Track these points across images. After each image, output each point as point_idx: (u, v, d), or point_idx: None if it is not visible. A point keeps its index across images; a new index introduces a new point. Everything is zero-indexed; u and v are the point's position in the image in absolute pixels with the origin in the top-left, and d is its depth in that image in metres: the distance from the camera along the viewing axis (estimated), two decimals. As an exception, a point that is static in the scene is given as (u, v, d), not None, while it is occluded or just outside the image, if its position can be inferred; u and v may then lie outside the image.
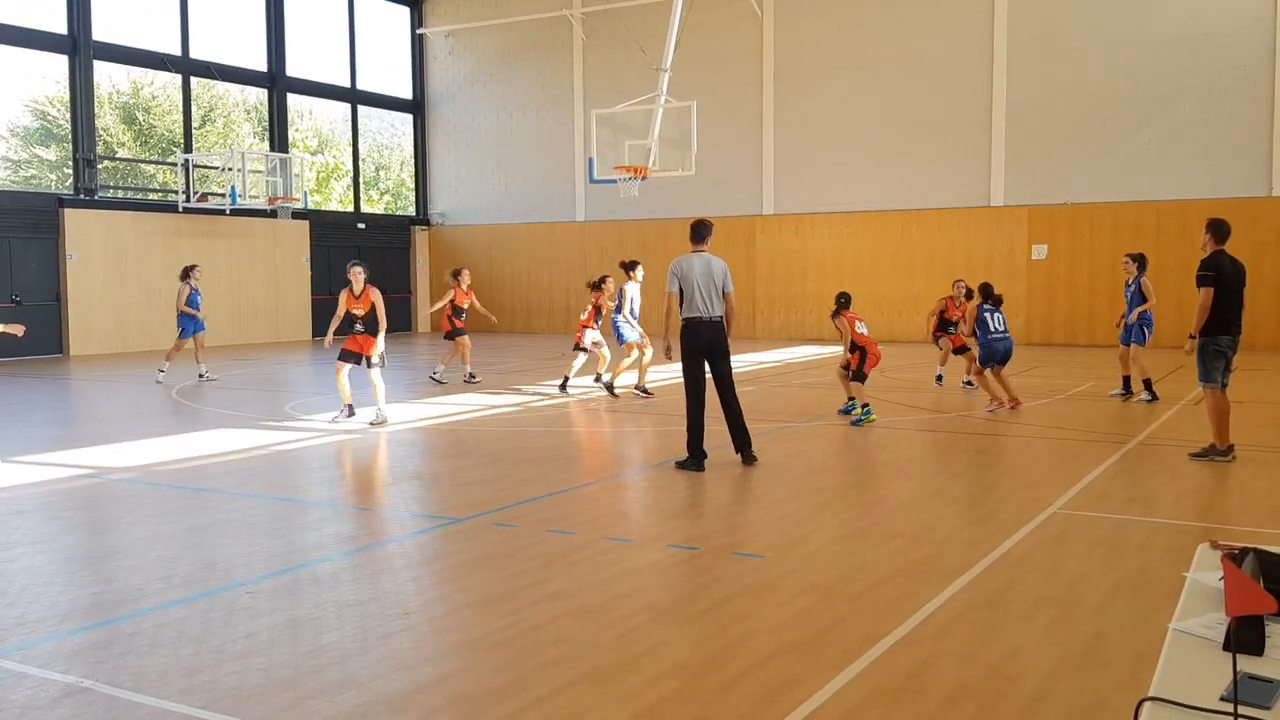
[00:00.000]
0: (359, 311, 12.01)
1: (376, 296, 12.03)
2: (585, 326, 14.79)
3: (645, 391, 14.23)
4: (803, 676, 4.44)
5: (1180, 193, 21.95)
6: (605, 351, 14.94)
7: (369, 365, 11.96)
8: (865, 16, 24.81)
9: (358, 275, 12.14)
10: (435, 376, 16.00)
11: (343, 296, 12.11)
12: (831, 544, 6.67)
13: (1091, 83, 22.59)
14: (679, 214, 27.09)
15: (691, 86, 23.83)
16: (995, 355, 12.56)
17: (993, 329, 12.57)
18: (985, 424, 11.59)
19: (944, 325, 14.89)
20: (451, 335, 16.11)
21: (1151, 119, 22.16)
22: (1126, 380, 13.56)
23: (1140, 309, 13.18)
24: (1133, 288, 13.41)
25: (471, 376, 16.04)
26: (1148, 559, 6.25)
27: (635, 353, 14.55)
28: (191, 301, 16.79)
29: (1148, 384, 13.22)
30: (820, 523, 7.28)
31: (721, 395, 9.19)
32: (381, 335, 12.03)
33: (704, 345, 9.05)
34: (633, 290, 14.45)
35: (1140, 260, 13.56)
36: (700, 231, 9.30)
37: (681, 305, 9.13)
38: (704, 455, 9.10)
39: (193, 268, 17.13)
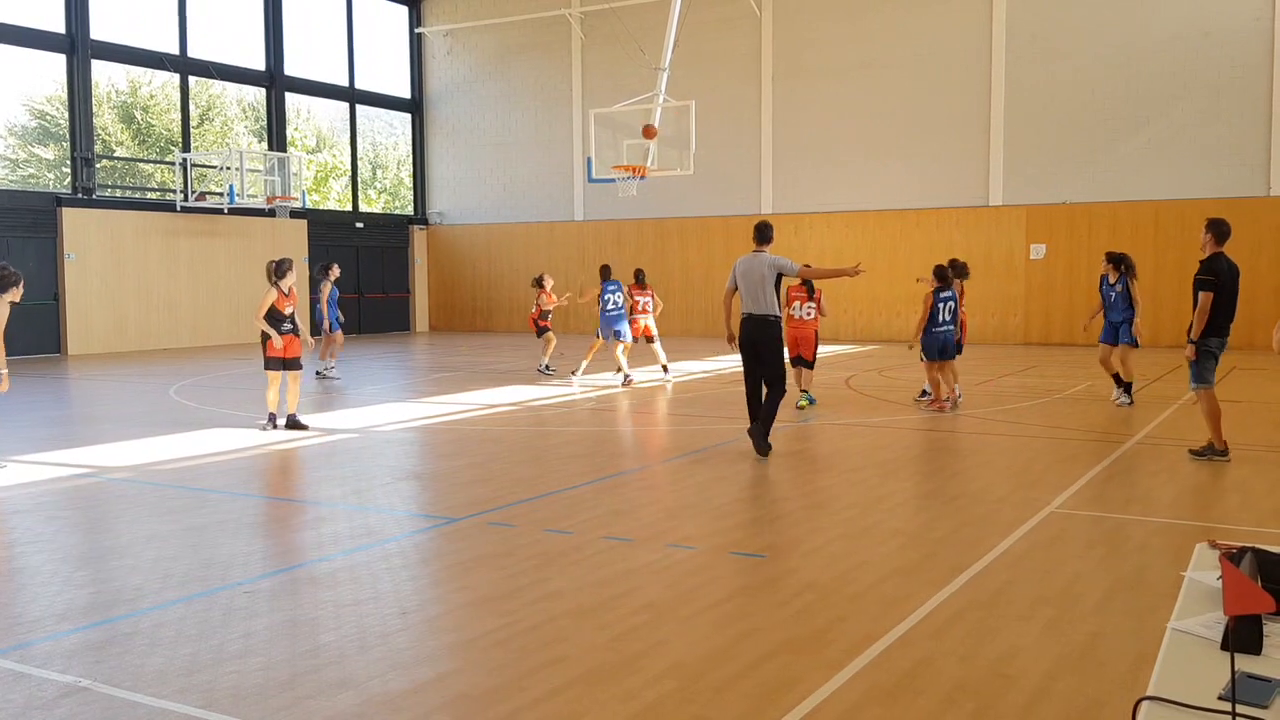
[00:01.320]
0: (289, 310, 11.48)
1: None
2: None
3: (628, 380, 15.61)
4: (801, 676, 4.44)
5: (1179, 192, 21.97)
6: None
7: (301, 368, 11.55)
8: (864, 16, 24.81)
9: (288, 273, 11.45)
10: (542, 369, 17.33)
11: (276, 297, 11.41)
12: (830, 544, 6.67)
13: (1090, 82, 22.60)
14: (678, 213, 27.12)
15: (690, 86, 23.83)
16: (934, 348, 12.38)
17: (940, 320, 12.36)
18: (983, 424, 11.59)
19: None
20: (540, 333, 17.47)
21: (1150, 118, 22.18)
22: (1117, 378, 12.99)
23: (1132, 317, 12.73)
24: (1118, 289, 12.90)
25: (547, 368, 17.28)
26: (1146, 558, 6.26)
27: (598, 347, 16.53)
28: (332, 297, 16.96)
29: (1128, 388, 12.81)
30: (818, 522, 7.28)
31: (765, 388, 9.75)
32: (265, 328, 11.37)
33: (747, 339, 9.66)
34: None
35: (1122, 261, 13.02)
36: (756, 233, 9.82)
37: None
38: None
39: (330, 265, 17.34)
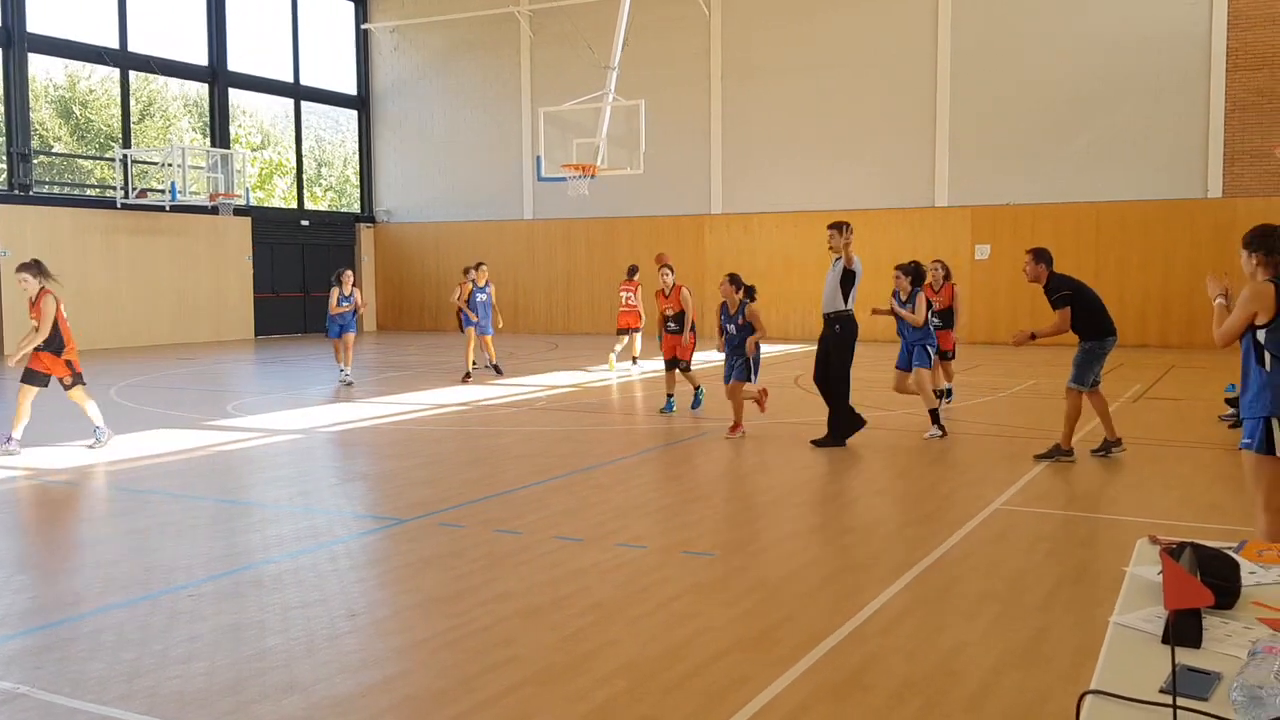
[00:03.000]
0: (35, 322, 9.92)
1: (47, 306, 9.81)
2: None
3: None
4: (751, 674, 4.46)
5: (1120, 194, 22.38)
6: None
7: (66, 386, 10.10)
8: (812, 18, 24.98)
9: (26, 279, 9.82)
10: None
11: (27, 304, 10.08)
12: (780, 542, 6.71)
13: (1033, 85, 22.94)
14: (627, 213, 27.11)
15: (639, 85, 23.82)
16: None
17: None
18: (928, 423, 11.69)
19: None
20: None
21: (1092, 121, 22.57)
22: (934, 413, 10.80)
23: (927, 338, 10.88)
24: (910, 305, 10.86)
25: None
26: (1089, 554, 6.37)
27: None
28: (472, 299, 16.41)
29: (935, 415, 10.76)
30: (768, 520, 7.32)
31: None
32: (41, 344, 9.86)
33: (821, 337, 10.52)
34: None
35: (912, 272, 10.98)
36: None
37: None
38: (854, 424, 10.42)
39: (478, 265, 16.76)
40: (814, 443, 10.19)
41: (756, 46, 25.62)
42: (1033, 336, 9.40)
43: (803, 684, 4.35)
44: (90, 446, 10.13)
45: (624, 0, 22.41)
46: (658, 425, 11.86)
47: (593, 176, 21.87)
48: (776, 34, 25.37)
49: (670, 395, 12.60)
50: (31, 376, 9.96)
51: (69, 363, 10.02)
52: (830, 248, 10.14)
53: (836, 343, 10.22)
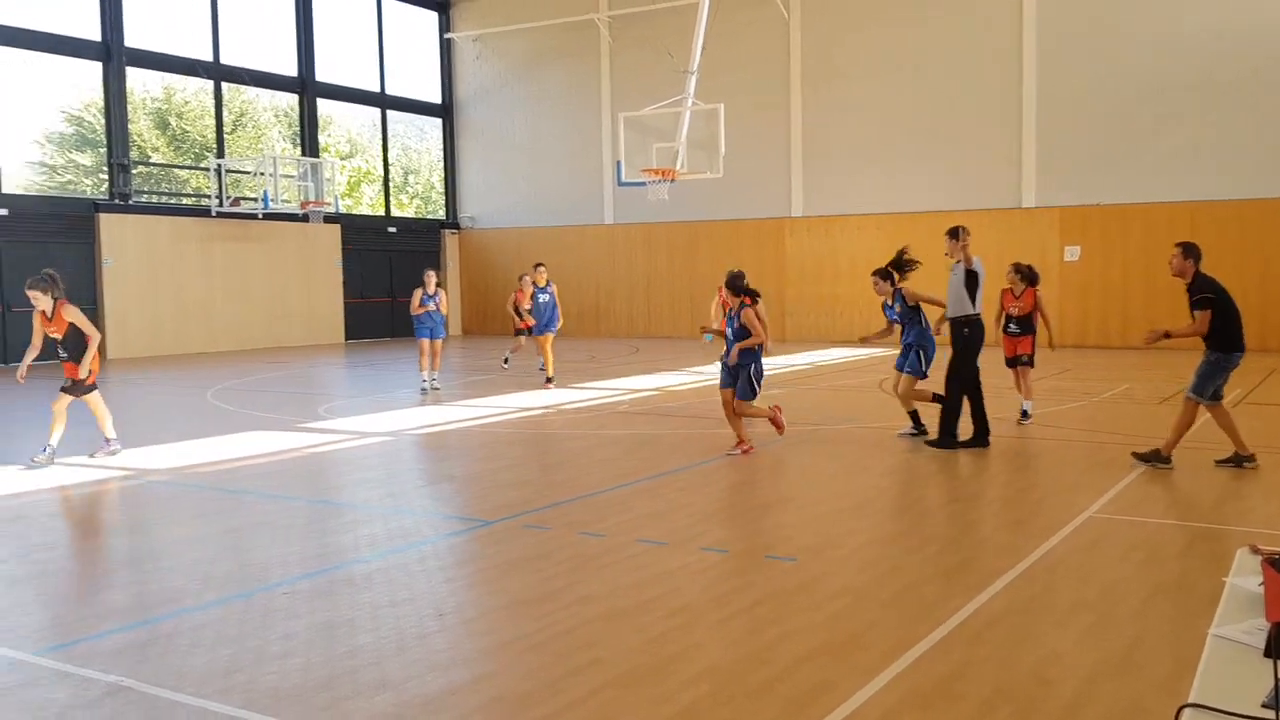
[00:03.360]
0: (57, 335, 9.91)
1: (73, 313, 9.88)
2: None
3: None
4: (836, 680, 4.43)
5: (1215, 193, 21.70)
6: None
7: (80, 392, 9.96)
8: (893, 17, 24.70)
9: (38, 296, 9.78)
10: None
11: (36, 320, 9.95)
12: (865, 548, 6.66)
13: (1124, 81, 22.38)
14: (707, 216, 27.10)
15: (719, 89, 23.82)
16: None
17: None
18: (1018, 428, 11.49)
19: (1006, 324, 11.99)
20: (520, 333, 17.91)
21: (1185, 117, 21.92)
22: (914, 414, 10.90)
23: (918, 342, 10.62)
24: (896, 309, 10.73)
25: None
26: (1187, 564, 6.19)
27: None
28: (535, 301, 16.62)
29: (914, 417, 10.83)
30: (853, 526, 7.26)
31: None
32: (89, 353, 9.91)
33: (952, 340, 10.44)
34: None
35: (890, 276, 10.75)
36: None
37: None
38: (977, 432, 10.31)
39: (536, 266, 16.90)
40: (928, 443, 10.24)
41: (836, 47, 25.42)
42: (1166, 335, 8.93)
43: (890, 691, 4.31)
44: (34, 459, 9.75)
45: (703, 4, 22.43)
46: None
47: (672, 181, 21.92)
48: (856, 34, 25.15)
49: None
50: (75, 387, 9.88)
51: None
52: (947, 254, 10.20)
53: (964, 345, 10.18)
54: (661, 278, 28.02)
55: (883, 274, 10.76)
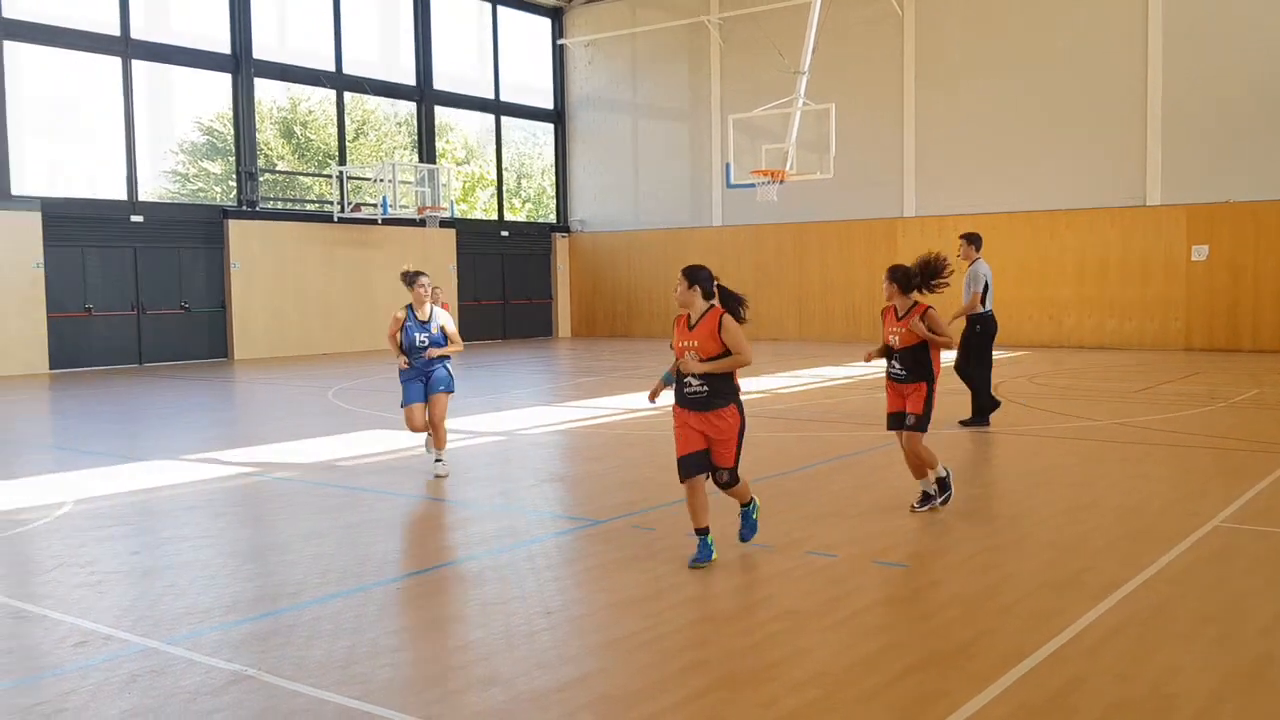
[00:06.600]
0: None
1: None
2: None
3: None
4: (946, 690, 4.36)
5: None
6: None
7: None
8: (1010, 12, 24.09)
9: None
10: None
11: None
12: (976, 555, 6.52)
13: (1253, 74, 21.39)
14: (817, 218, 26.84)
15: (830, 89, 23.59)
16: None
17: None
18: (1141, 433, 11.10)
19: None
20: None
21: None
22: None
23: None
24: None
25: None
26: (1321, 577, 5.90)
27: None
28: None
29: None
30: (964, 533, 7.11)
31: None
32: None
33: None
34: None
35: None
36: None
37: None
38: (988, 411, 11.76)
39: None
40: (961, 423, 11.56)
41: (951, 43, 24.91)
42: None
43: (1001, 703, 4.22)
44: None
45: (815, 4, 22.24)
46: (847, 433, 11.71)
47: (781, 182, 21.78)
48: (972, 29, 24.60)
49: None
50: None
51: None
52: (960, 256, 11.47)
53: (978, 339, 11.71)
54: (770, 280, 27.86)
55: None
